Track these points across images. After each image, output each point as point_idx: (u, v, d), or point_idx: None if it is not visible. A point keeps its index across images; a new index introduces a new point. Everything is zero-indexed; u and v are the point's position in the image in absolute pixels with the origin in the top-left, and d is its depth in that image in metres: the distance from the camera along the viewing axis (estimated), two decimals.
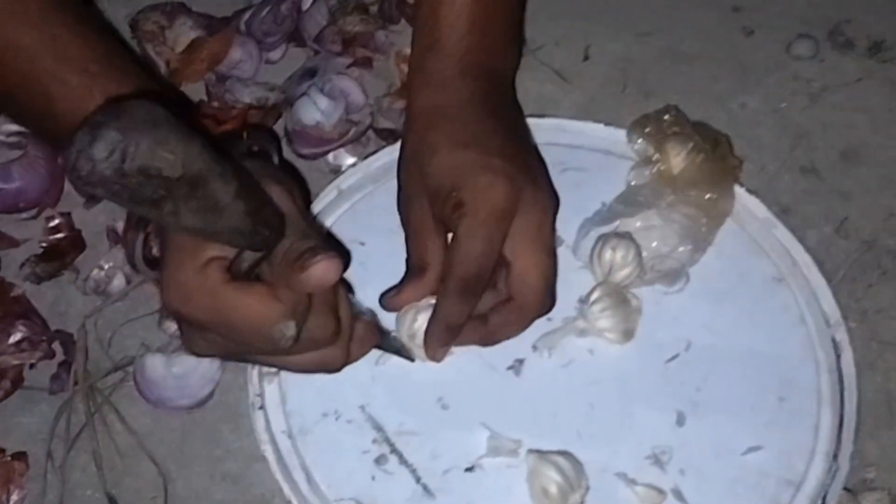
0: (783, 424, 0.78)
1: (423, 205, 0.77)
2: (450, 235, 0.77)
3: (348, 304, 0.71)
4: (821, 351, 0.82)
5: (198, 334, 0.67)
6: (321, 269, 0.62)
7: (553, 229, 0.78)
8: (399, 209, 0.81)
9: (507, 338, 0.79)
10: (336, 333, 0.69)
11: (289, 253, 0.63)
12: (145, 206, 0.51)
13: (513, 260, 0.76)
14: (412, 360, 0.79)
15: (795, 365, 0.81)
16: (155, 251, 0.72)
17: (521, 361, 0.80)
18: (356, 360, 0.75)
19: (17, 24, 0.69)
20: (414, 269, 0.78)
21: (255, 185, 0.59)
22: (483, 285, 0.75)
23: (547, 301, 0.77)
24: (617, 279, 0.81)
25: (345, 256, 0.62)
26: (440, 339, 0.77)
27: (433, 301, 0.77)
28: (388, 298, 0.79)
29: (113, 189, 0.49)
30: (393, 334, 0.80)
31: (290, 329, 0.63)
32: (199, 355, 0.70)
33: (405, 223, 0.80)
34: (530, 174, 0.77)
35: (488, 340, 0.79)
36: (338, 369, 0.73)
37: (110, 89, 0.70)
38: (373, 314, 0.80)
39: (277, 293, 0.63)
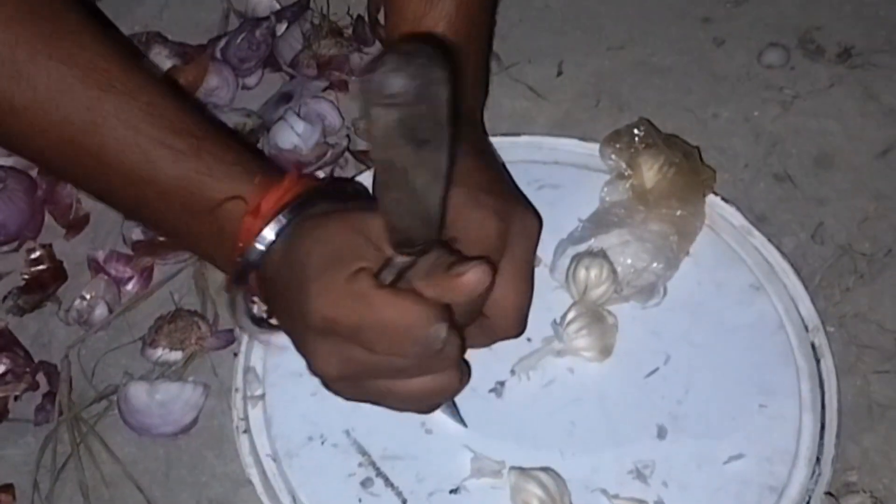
0: (764, 431, 0.78)
1: None
2: None
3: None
4: (800, 357, 0.82)
5: (336, 347, 0.67)
6: (478, 274, 0.64)
7: (534, 258, 0.79)
8: None
9: (474, 347, 0.79)
10: (461, 353, 0.70)
11: (438, 262, 0.65)
12: (412, 143, 0.55)
13: (496, 283, 0.76)
14: (465, 425, 0.79)
15: (775, 372, 0.81)
16: (256, 309, 0.75)
17: (501, 384, 0.81)
18: (460, 391, 0.74)
19: (113, 95, 0.71)
20: None
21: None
22: (476, 317, 0.76)
23: (518, 327, 0.77)
24: (592, 298, 0.82)
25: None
26: None
27: None
28: None
29: (407, 111, 0.53)
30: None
31: (442, 330, 0.64)
32: (324, 374, 0.70)
33: None
34: (517, 206, 0.78)
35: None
36: (448, 397, 0.74)
37: (216, 149, 0.72)
38: None
39: (427, 299, 0.65)
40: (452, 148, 0.58)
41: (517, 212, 0.77)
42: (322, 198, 0.69)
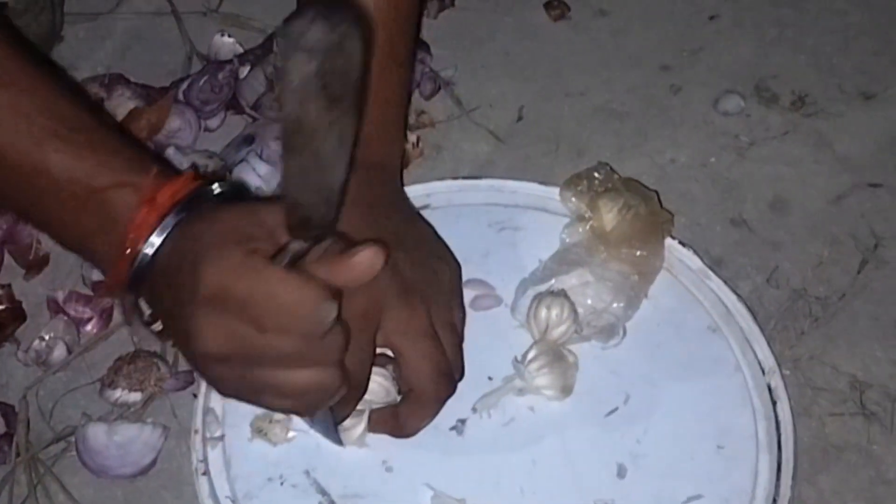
0: (722, 472, 0.79)
1: None
2: None
3: None
4: (757, 398, 0.83)
5: (223, 321, 0.64)
6: (370, 254, 0.63)
7: (433, 313, 0.78)
8: None
9: (420, 427, 0.79)
10: (344, 349, 0.68)
11: (332, 247, 0.64)
12: (325, 99, 0.55)
13: (400, 354, 0.77)
14: (342, 444, 0.79)
15: (733, 413, 0.82)
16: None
17: (463, 421, 0.81)
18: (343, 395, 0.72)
19: (9, 89, 0.70)
20: None
21: None
22: (363, 386, 0.76)
23: (442, 384, 0.78)
24: (553, 337, 0.82)
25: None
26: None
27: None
28: None
29: (324, 63, 0.53)
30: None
31: (332, 309, 0.64)
32: (207, 353, 0.66)
33: None
34: (392, 272, 0.77)
35: (401, 433, 0.79)
36: (328, 396, 0.70)
37: (112, 143, 0.70)
38: None
39: (319, 279, 0.64)
40: (361, 113, 0.58)
41: (391, 279, 0.77)
42: (218, 197, 0.68)
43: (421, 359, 0.77)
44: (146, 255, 0.67)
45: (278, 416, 0.79)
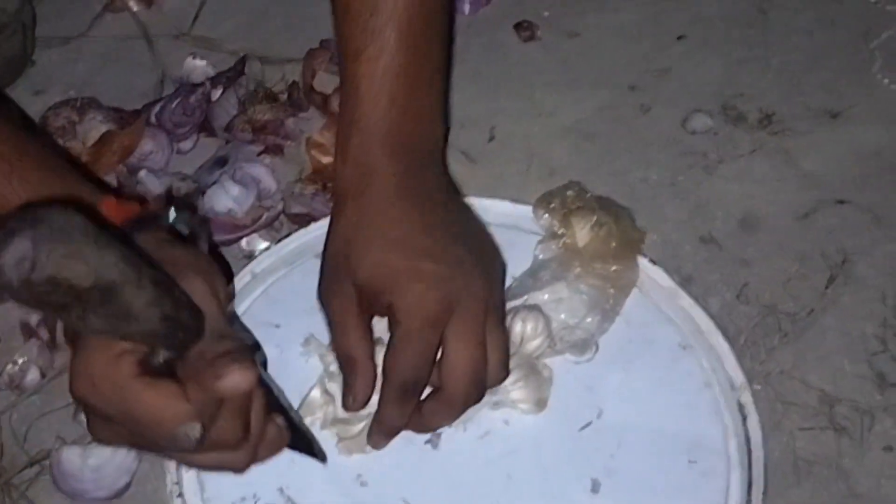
0: (694, 488, 0.79)
1: (348, 296, 0.77)
2: (374, 321, 0.79)
3: (262, 407, 0.69)
4: (727, 414, 0.83)
5: (103, 423, 0.65)
6: (235, 379, 0.61)
7: (489, 317, 0.77)
8: (319, 296, 0.81)
9: (439, 426, 0.79)
10: (243, 440, 0.67)
11: (204, 354, 0.62)
12: (50, 309, 0.52)
13: (445, 351, 0.76)
14: (324, 461, 0.79)
15: (704, 429, 0.82)
16: None
17: (438, 435, 0.81)
18: (262, 461, 0.72)
19: None
20: (345, 363, 0.78)
21: (173, 288, 0.59)
22: (421, 388, 0.76)
23: (473, 392, 0.77)
24: (528, 350, 0.82)
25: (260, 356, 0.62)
26: (383, 439, 0.78)
27: None
28: (350, 406, 0.78)
29: (19, 295, 0.49)
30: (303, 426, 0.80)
31: (194, 431, 0.61)
32: (103, 443, 0.68)
33: (327, 313, 0.80)
34: (462, 271, 0.77)
35: (421, 428, 0.79)
36: (241, 471, 0.71)
37: (31, 176, 0.70)
38: (281, 392, 0.80)
39: (188, 392, 0.61)
40: (143, 283, 0.54)
41: (462, 278, 0.76)
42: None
43: (467, 364, 0.76)
44: None
45: (359, 426, 0.79)
